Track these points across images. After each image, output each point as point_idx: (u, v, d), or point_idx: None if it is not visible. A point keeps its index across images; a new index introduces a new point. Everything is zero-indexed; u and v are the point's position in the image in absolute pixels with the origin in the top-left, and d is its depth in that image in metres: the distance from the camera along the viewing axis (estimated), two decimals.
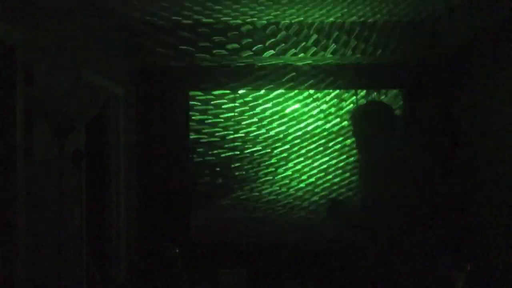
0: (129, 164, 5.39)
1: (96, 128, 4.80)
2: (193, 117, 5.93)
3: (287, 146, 5.95)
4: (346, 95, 5.99)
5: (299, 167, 5.94)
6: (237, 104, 5.96)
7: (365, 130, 3.04)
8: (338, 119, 5.96)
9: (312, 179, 5.94)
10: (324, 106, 5.97)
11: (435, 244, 2.94)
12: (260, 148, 5.95)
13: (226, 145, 5.94)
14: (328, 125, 5.96)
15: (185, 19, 5.23)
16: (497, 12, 4.45)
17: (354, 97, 5.98)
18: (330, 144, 5.95)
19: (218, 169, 5.94)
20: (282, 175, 5.95)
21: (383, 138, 3.01)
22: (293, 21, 5.32)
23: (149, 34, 5.38)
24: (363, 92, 5.99)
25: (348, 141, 5.92)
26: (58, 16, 3.76)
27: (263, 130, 5.96)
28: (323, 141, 5.96)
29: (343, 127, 5.96)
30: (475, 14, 4.73)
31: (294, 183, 5.94)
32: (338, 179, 5.95)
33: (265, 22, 5.36)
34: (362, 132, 3.06)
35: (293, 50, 5.44)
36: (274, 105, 5.97)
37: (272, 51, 5.45)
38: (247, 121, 5.95)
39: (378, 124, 3.01)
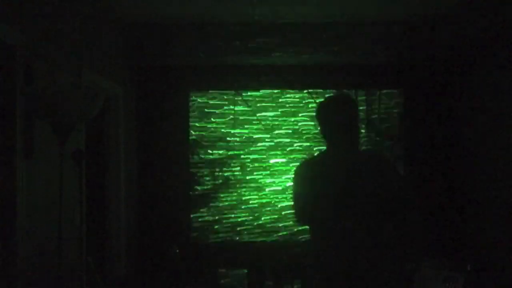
0: (129, 164, 5.39)
1: (96, 128, 4.80)
2: (193, 117, 5.93)
3: (287, 147, 5.96)
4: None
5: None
6: (237, 104, 5.96)
7: (330, 121, 2.87)
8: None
9: None
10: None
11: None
12: (261, 148, 5.95)
13: (226, 145, 5.94)
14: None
15: (185, 19, 5.23)
16: (497, 13, 4.45)
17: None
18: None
19: (218, 169, 5.94)
20: (283, 175, 5.95)
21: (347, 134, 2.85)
22: (292, 21, 5.32)
23: (149, 34, 5.38)
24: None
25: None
26: (58, 16, 3.76)
27: (264, 130, 5.96)
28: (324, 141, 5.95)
29: None
30: (475, 14, 4.73)
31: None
32: None
33: (265, 22, 5.36)
34: (328, 124, 2.88)
35: (293, 50, 5.45)
36: (273, 105, 5.97)
37: (272, 51, 5.46)
38: (247, 121, 5.95)
39: (343, 115, 2.84)
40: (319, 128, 2.98)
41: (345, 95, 3.62)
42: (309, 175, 2.87)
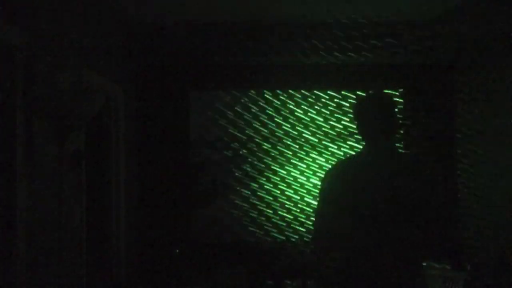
0: (129, 164, 5.39)
1: (96, 128, 4.80)
2: (193, 117, 5.93)
3: (288, 147, 5.96)
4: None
5: (300, 167, 5.94)
6: (237, 104, 5.96)
7: (370, 120, 2.66)
8: (340, 120, 5.95)
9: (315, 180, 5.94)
10: (325, 106, 5.97)
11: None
12: (261, 148, 5.95)
13: (226, 145, 5.94)
14: (330, 126, 5.94)
15: (185, 19, 5.23)
16: (497, 13, 4.45)
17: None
18: (333, 144, 5.94)
19: (217, 169, 5.94)
20: (283, 175, 5.94)
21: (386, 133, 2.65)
22: (293, 21, 5.31)
23: (149, 34, 5.38)
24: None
25: (350, 142, 5.91)
26: (58, 16, 3.76)
27: (264, 130, 5.96)
28: (325, 141, 5.94)
29: (345, 128, 5.94)
30: (475, 14, 4.73)
31: (295, 183, 5.94)
32: None
33: (266, 21, 5.36)
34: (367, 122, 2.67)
35: (295, 50, 5.44)
36: (274, 105, 5.97)
37: (273, 51, 5.46)
38: (247, 121, 5.95)
39: (382, 115, 2.62)
40: (356, 126, 2.77)
41: (386, 93, 3.46)
42: (345, 181, 2.64)
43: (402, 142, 5.95)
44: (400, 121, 2.76)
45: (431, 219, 2.62)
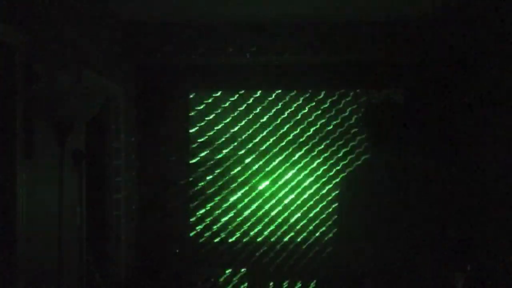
0: (129, 164, 5.39)
1: (96, 128, 4.80)
2: (193, 117, 5.93)
3: (288, 147, 5.95)
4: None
5: (300, 167, 5.94)
6: (237, 104, 5.96)
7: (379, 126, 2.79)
8: (339, 121, 5.95)
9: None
10: (323, 107, 5.96)
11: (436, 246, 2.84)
12: (262, 148, 5.95)
13: (227, 145, 5.94)
14: (329, 127, 5.93)
15: (185, 19, 5.23)
16: (497, 13, 4.45)
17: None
18: (333, 145, 5.93)
19: (218, 169, 5.94)
20: (283, 175, 5.94)
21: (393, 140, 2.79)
22: (292, 19, 5.31)
23: (149, 34, 5.38)
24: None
25: (351, 142, 5.91)
26: (58, 16, 3.76)
27: (264, 131, 5.96)
28: (324, 142, 5.94)
29: (344, 129, 5.94)
30: (475, 14, 4.73)
31: (295, 183, 5.94)
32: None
33: (265, 21, 5.36)
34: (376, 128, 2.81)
35: (293, 50, 5.44)
36: (274, 106, 5.97)
37: (272, 51, 5.45)
38: (247, 121, 5.95)
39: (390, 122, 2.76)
40: (366, 132, 2.92)
41: (395, 100, 3.60)
42: (358, 187, 2.79)
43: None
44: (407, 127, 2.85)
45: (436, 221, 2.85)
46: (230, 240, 5.88)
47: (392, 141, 2.78)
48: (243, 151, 5.94)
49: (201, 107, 5.94)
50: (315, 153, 5.92)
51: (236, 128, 5.94)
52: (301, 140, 5.94)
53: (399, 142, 2.81)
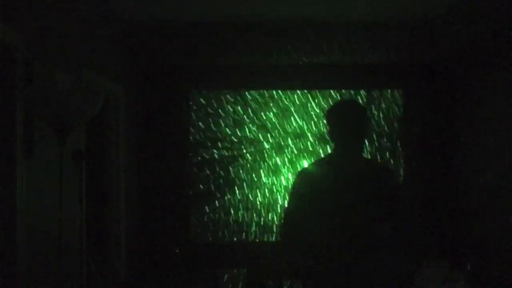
0: (129, 164, 5.39)
1: (96, 128, 4.80)
2: (193, 117, 5.93)
3: (289, 147, 5.96)
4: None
5: (300, 167, 5.94)
6: (237, 104, 5.97)
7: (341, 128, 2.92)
8: None
9: None
10: (324, 107, 5.97)
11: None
12: (262, 148, 5.95)
13: (227, 145, 5.94)
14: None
15: (185, 19, 5.23)
16: (497, 13, 4.45)
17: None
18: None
19: (218, 169, 5.94)
20: (284, 175, 5.95)
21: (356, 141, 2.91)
22: (293, 20, 5.31)
23: (149, 34, 5.38)
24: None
25: None
26: (57, 16, 3.76)
27: (265, 130, 5.96)
28: (324, 142, 5.95)
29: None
30: (475, 14, 4.73)
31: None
32: None
33: (266, 21, 5.36)
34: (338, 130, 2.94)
35: (293, 50, 5.44)
36: (274, 106, 5.97)
37: (273, 51, 5.45)
38: (248, 121, 5.95)
39: (352, 123, 2.89)
40: (328, 130, 3.04)
41: (353, 100, 3.77)
42: (310, 185, 2.90)
43: (399, 142, 5.95)
44: (368, 129, 3.04)
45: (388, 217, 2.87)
46: (230, 240, 5.88)
47: (352, 139, 2.89)
48: (243, 151, 5.94)
49: (201, 107, 5.94)
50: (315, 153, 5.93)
51: (236, 128, 5.94)
52: (303, 139, 5.94)
53: (359, 141, 2.92)
